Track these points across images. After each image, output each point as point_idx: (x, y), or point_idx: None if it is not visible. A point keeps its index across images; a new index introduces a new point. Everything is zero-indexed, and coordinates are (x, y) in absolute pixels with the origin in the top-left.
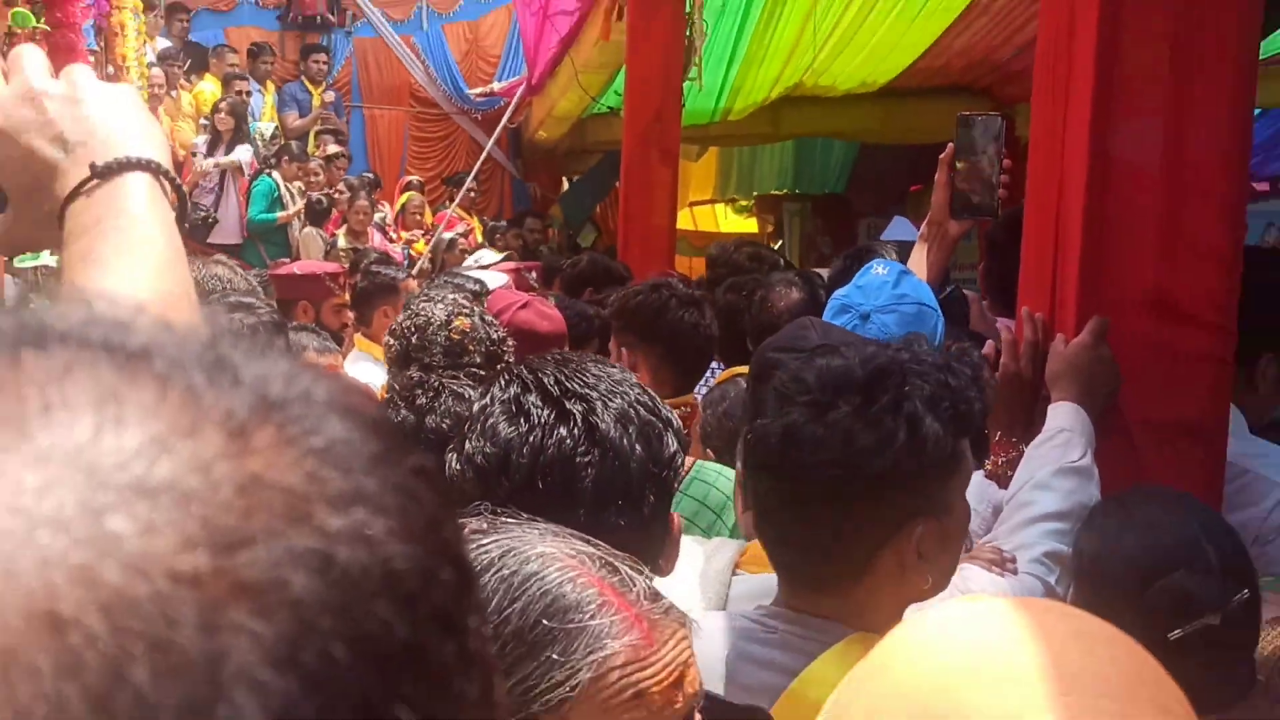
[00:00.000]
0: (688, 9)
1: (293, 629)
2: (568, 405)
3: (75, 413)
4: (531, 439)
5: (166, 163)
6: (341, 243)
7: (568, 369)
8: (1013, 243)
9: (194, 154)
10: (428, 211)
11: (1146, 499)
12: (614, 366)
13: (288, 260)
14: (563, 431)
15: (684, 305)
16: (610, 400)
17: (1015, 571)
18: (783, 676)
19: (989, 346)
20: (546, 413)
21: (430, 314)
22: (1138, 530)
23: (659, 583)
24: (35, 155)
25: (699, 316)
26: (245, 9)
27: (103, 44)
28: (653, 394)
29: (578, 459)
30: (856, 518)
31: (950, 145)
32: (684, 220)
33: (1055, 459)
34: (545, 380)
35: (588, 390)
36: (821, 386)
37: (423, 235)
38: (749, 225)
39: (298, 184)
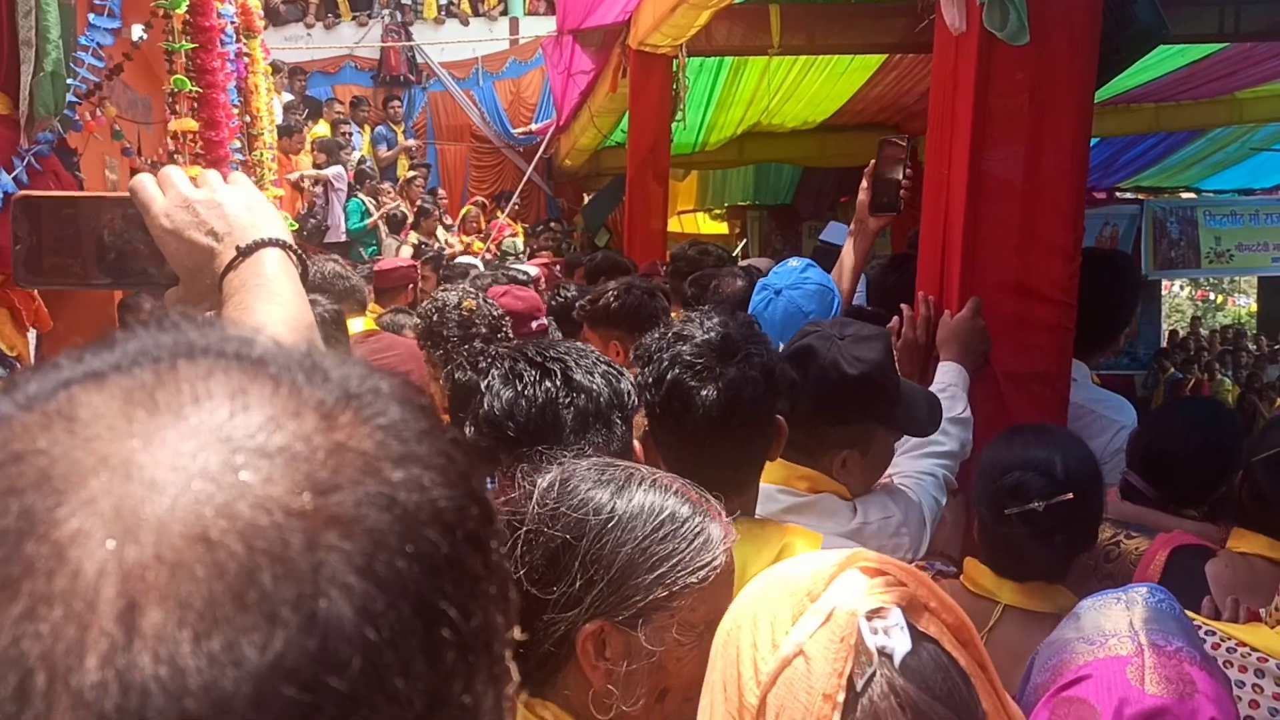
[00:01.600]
0: (675, 69)
1: (369, 548)
2: (549, 365)
3: (216, 401)
4: (526, 392)
5: (288, 238)
6: (414, 238)
7: (543, 345)
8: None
9: (300, 183)
10: (483, 220)
11: (1036, 429)
12: (578, 343)
13: (380, 257)
14: (548, 384)
15: (650, 297)
16: (580, 360)
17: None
18: None
19: (894, 320)
20: (533, 373)
21: (445, 299)
22: (1014, 445)
23: None
24: (196, 245)
25: (661, 303)
26: (347, 70)
27: (242, 100)
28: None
29: (560, 400)
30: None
31: (872, 162)
32: (673, 225)
33: (946, 409)
34: (529, 352)
35: (562, 355)
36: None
37: (479, 238)
38: (721, 228)
39: (377, 199)
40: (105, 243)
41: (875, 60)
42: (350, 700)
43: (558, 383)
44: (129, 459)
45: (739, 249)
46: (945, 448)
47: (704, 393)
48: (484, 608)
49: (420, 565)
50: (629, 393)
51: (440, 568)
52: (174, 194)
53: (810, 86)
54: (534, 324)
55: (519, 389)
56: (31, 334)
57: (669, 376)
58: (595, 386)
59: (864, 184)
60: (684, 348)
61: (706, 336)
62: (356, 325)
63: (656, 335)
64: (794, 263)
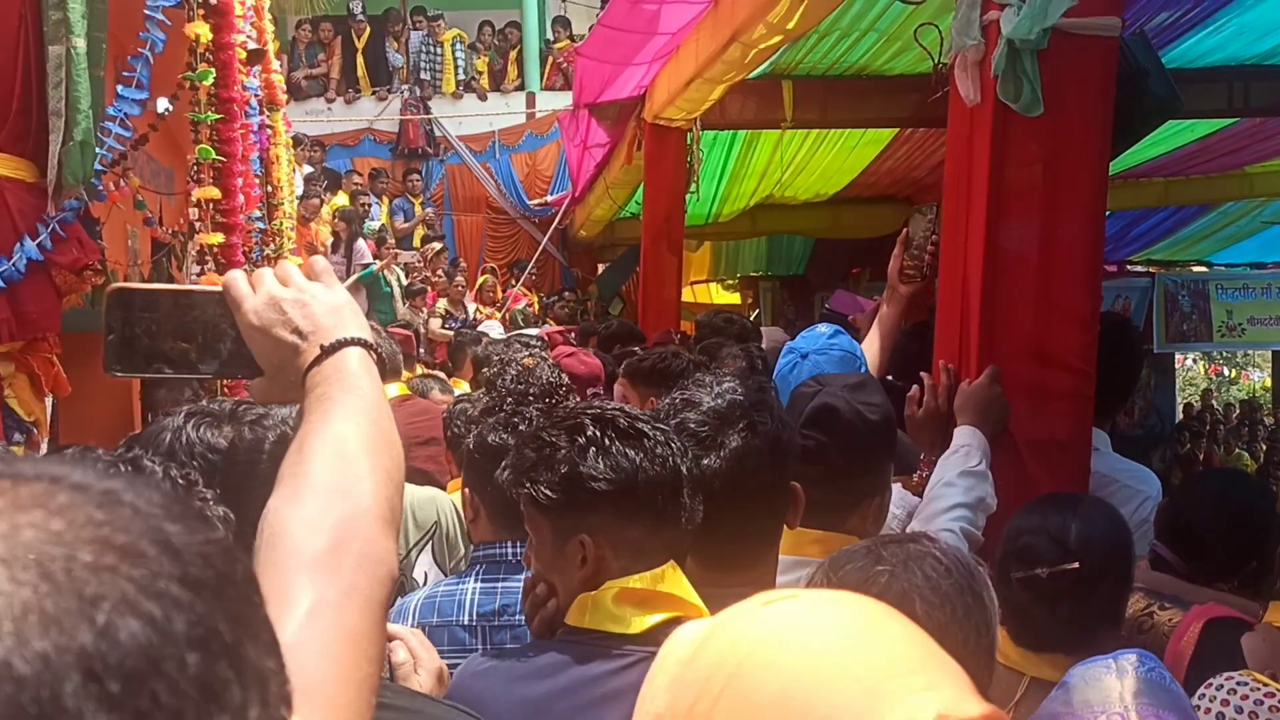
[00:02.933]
0: (689, 142)
1: None
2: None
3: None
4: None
5: (369, 336)
6: (441, 306)
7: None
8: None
9: (319, 251)
10: (499, 289)
11: (1065, 497)
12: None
13: (394, 323)
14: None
15: (675, 359)
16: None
17: None
18: None
19: (914, 390)
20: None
21: (508, 355)
22: (1035, 511)
23: None
24: (282, 342)
25: (688, 366)
26: (366, 143)
27: (264, 170)
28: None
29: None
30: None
31: (904, 230)
32: (686, 295)
33: (958, 465)
34: (620, 423)
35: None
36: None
37: (494, 308)
38: (734, 298)
39: (396, 267)
40: (195, 335)
41: (887, 134)
42: None
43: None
44: None
45: (751, 319)
46: (954, 500)
47: (705, 462)
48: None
49: None
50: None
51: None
52: (263, 292)
53: (823, 159)
54: (590, 390)
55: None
56: (49, 400)
57: None
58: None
59: (896, 251)
60: (690, 414)
61: (714, 404)
62: (392, 390)
63: (667, 401)
64: (823, 328)
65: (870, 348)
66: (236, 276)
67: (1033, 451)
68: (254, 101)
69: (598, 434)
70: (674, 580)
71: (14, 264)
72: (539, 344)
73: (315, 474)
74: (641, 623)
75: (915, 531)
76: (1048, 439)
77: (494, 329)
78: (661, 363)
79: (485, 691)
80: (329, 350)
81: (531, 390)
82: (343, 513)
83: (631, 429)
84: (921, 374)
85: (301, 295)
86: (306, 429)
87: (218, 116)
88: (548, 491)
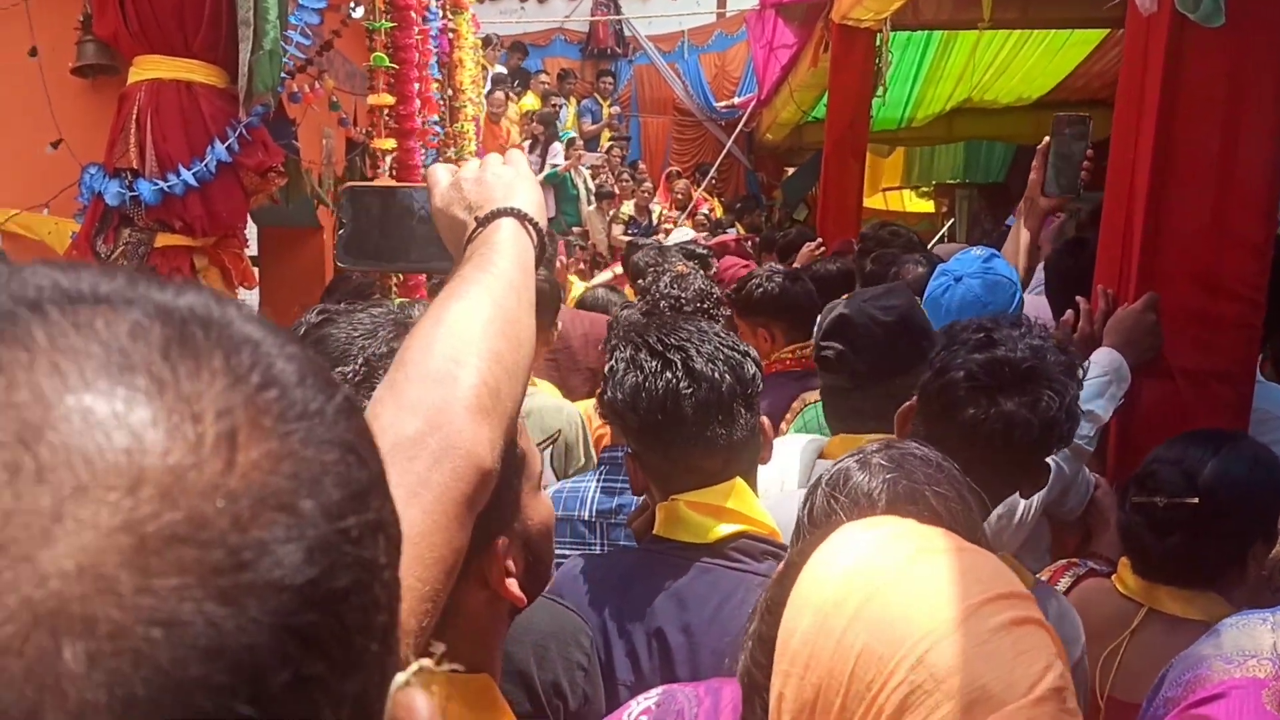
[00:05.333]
0: (877, 44)
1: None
2: (669, 356)
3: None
4: (647, 384)
5: (533, 211)
6: (626, 210)
7: (666, 329)
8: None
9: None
10: (691, 192)
11: (1217, 433)
12: (702, 323)
13: (579, 227)
14: (668, 375)
15: (792, 282)
16: (701, 346)
17: None
18: None
19: (1068, 314)
20: (654, 363)
21: (663, 264)
22: (1180, 442)
23: (765, 469)
24: (455, 220)
25: (803, 287)
26: (557, 43)
27: (445, 73)
28: (733, 336)
29: (681, 392)
30: None
31: (1046, 139)
32: (878, 202)
33: (1084, 392)
34: (650, 340)
35: (683, 343)
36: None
37: (682, 213)
38: (927, 206)
39: (583, 168)
40: (412, 229)
41: (1096, 35)
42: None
43: (679, 374)
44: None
45: (945, 229)
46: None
47: (971, 412)
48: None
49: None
50: (754, 377)
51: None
52: (451, 174)
53: (1025, 61)
54: None
55: (640, 380)
56: (240, 292)
57: (948, 375)
58: (717, 375)
59: (1035, 162)
60: (978, 356)
61: (1010, 355)
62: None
63: (973, 326)
64: (977, 251)
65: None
66: (437, 167)
67: (1191, 383)
68: (434, 6)
69: (636, 355)
70: (740, 495)
71: (206, 164)
72: (706, 252)
73: (414, 360)
74: (715, 533)
75: (889, 438)
76: (1209, 370)
77: (685, 234)
78: (760, 290)
79: (576, 591)
80: (483, 221)
81: (684, 298)
82: (432, 402)
83: (674, 346)
84: (1078, 299)
85: (482, 172)
86: (430, 307)
87: (391, 25)
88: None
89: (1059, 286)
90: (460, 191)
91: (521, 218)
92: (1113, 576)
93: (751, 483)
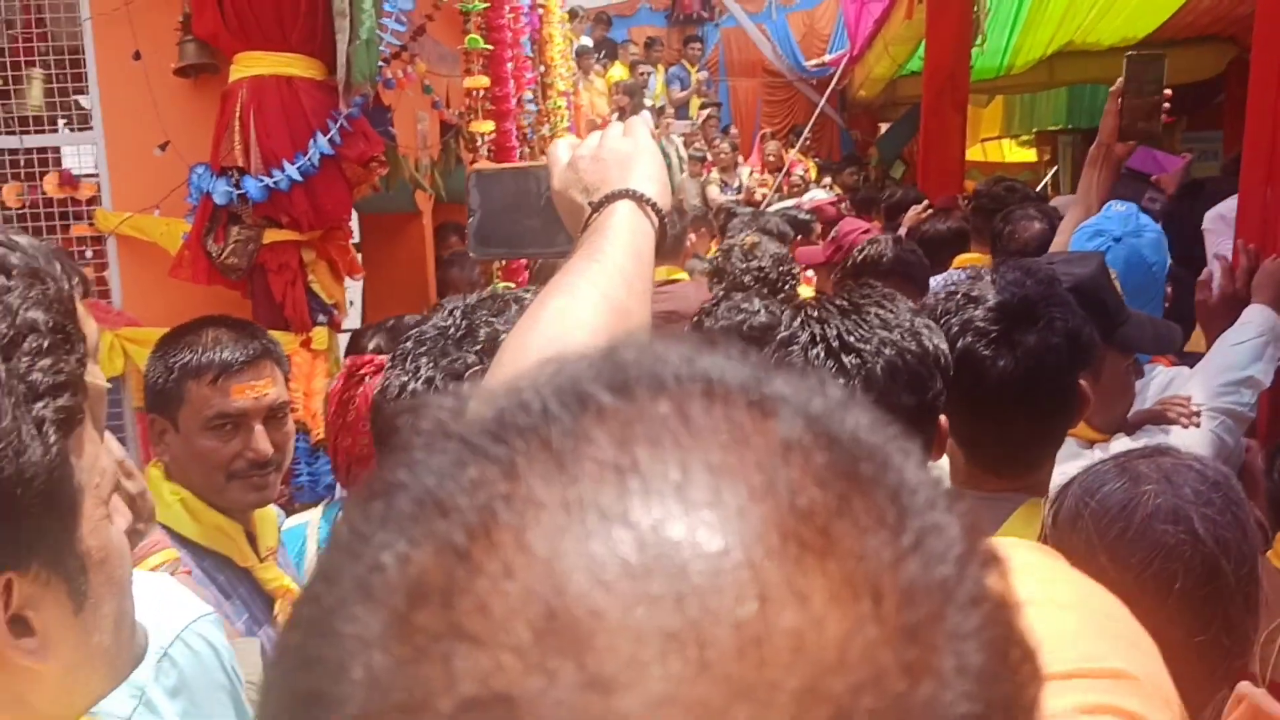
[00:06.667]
0: None
1: None
2: (845, 359)
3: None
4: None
5: (652, 191)
6: (715, 176)
7: (850, 321)
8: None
9: (596, 126)
10: (784, 154)
11: None
12: (897, 309)
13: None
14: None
15: (896, 245)
16: (883, 351)
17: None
18: None
19: (1205, 271)
20: (830, 364)
21: (736, 239)
22: None
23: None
24: (574, 205)
25: (913, 252)
26: (643, 12)
27: (536, 50)
28: (922, 339)
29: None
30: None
31: (1119, 81)
32: (976, 154)
33: (1237, 340)
34: (829, 334)
35: (862, 345)
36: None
37: (774, 176)
38: (1029, 155)
39: (675, 136)
40: (541, 213)
41: None
42: None
43: (854, 385)
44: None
45: (1048, 178)
46: (1230, 377)
47: (1000, 364)
48: None
49: None
50: (939, 393)
51: None
52: (568, 153)
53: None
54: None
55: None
56: (349, 284)
57: (959, 345)
58: (894, 393)
59: (1109, 105)
60: (977, 312)
61: (1001, 298)
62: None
63: (944, 296)
64: (1119, 207)
65: (1074, 216)
66: (558, 143)
67: None
68: None
69: None
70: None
71: (309, 158)
72: (809, 218)
73: (508, 362)
74: None
75: (1160, 445)
76: None
77: (789, 203)
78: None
79: None
80: (597, 206)
81: (751, 269)
82: None
83: None
84: (1216, 256)
85: (600, 150)
86: (532, 304)
87: (484, 5)
88: None
89: (1178, 236)
90: (577, 172)
91: (639, 199)
92: (1268, 554)
93: None
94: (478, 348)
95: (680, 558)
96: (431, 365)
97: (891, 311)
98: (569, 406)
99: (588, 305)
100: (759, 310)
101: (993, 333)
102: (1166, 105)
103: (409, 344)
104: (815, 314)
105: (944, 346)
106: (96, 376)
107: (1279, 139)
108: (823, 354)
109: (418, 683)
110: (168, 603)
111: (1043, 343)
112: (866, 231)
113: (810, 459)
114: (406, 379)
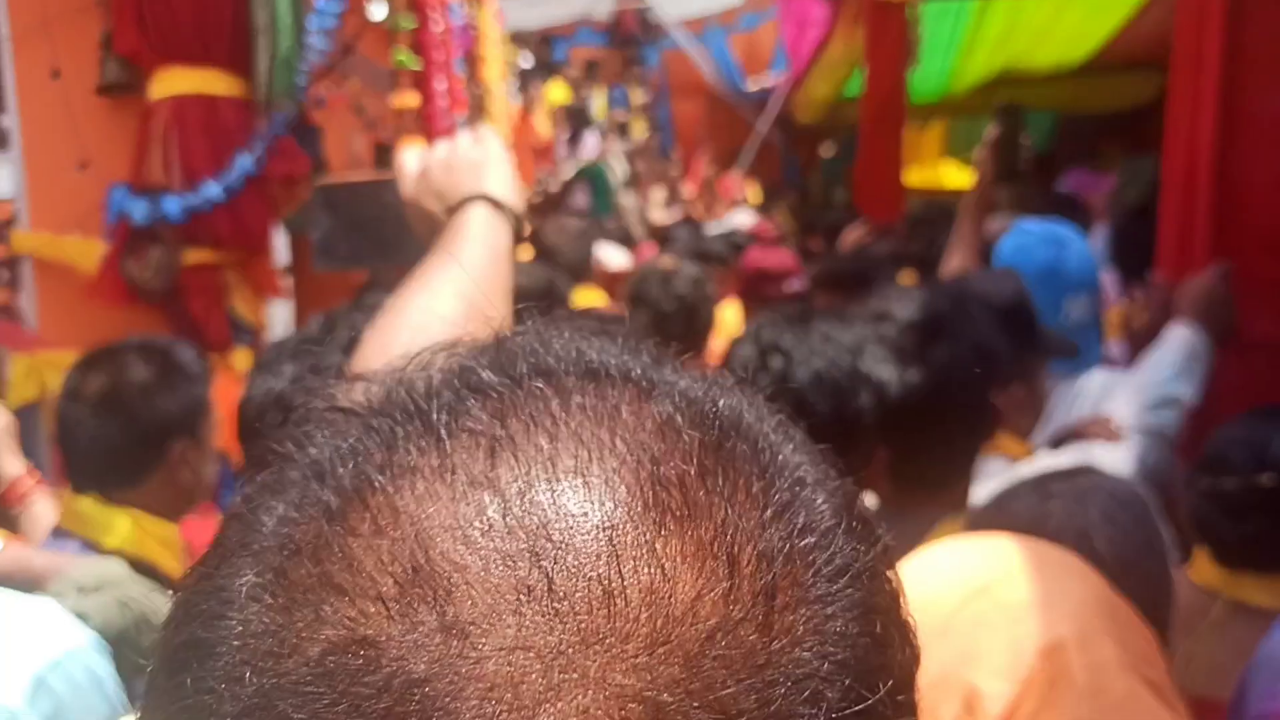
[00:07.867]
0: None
1: None
2: (769, 360)
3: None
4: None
5: (506, 195)
6: (656, 197)
7: (796, 329)
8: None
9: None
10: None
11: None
12: (852, 329)
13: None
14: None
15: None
16: (810, 360)
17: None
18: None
19: (1131, 296)
20: (756, 362)
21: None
22: (1246, 420)
23: None
24: (426, 214)
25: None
26: (583, 33)
27: (469, 69)
28: (858, 359)
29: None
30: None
31: (993, 130)
32: (915, 178)
33: (1167, 357)
34: (764, 336)
35: (792, 349)
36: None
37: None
38: (968, 179)
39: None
40: (390, 224)
41: None
42: None
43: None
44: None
45: None
46: (1157, 395)
47: (908, 378)
48: None
49: None
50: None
51: None
52: (419, 163)
53: (1067, 25)
54: (785, 285)
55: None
56: (277, 305)
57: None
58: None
59: (984, 155)
60: (887, 328)
61: (910, 315)
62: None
63: (857, 313)
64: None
65: (955, 262)
66: (405, 154)
67: (1264, 355)
68: (453, 2)
69: None
70: None
71: (232, 177)
72: (736, 247)
73: (372, 356)
74: None
75: (1082, 464)
76: None
77: (742, 219)
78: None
79: None
80: (450, 211)
81: (667, 298)
82: None
83: None
84: (1132, 289)
85: (450, 159)
86: (390, 302)
87: (413, 26)
88: None
89: (1125, 252)
90: (428, 181)
91: (494, 202)
92: (1185, 568)
93: None
94: (341, 347)
95: (542, 518)
96: (296, 365)
97: (842, 330)
98: (453, 386)
99: (447, 300)
100: None
101: (902, 348)
102: (1028, 152)
103: (271, 353)
104: (768, 320)
105: (884, 374)
106: None
107: (1195, 163)
108: (754, 353)
109: (289, 630)
110: (49, 629)
111: (950, 357)
112: (779, 260)
113: (681, 435)
114: (272, 381)
